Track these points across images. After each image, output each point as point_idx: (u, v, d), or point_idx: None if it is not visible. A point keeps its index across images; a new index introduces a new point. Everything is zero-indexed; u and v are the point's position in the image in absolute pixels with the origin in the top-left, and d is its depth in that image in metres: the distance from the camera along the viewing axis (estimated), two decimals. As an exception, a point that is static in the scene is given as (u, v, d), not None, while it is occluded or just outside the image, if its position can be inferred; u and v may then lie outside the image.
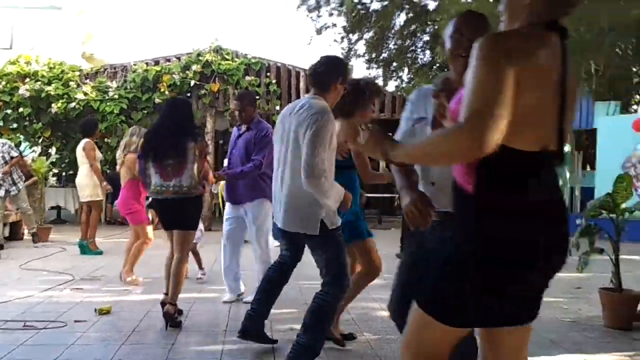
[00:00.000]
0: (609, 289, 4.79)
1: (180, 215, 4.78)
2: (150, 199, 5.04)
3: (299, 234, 3.58)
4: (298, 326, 3.81)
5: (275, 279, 3.97)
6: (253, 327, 4.01)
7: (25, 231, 9.57)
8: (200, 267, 6.62)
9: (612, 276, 4.74)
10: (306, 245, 3.74)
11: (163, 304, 4.70)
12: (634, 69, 13.80)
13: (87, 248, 8.37)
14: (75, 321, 4.77)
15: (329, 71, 3.56)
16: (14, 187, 9.00)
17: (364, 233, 3.98)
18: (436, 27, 17.25)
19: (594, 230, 4.82)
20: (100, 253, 8.34)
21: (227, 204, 5.59)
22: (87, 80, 12.69)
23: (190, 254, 6.25)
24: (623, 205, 4.84)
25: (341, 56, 19.80)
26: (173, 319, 4.63)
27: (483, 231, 1.73)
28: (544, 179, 1.76)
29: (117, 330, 4.57)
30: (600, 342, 4.35)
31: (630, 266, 5.53)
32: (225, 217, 5.62)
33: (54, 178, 13.41)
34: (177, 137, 4.65)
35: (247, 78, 12.58)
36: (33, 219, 9.44)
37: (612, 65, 11.66)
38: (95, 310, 5.06)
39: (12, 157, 9.03)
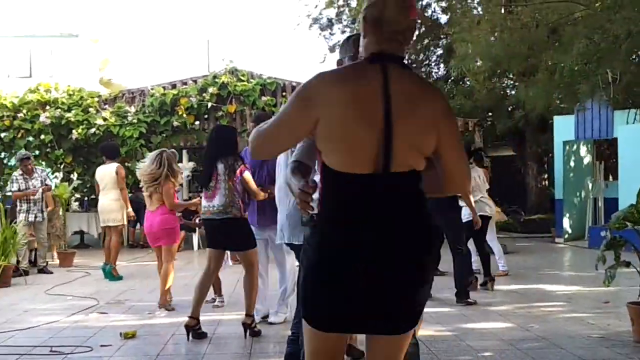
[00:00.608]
0: (637, 303, 4.71)
1: (223, 234, 5.07)
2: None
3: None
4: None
5: None
6: (298, 350, 4.01)
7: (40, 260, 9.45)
8: (220, 294, 6.51)
9: (641, 288, 4.67)
10: None
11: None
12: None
13: (109, 273, 8.38)
14: (101, 345, 4.81)
15: None
16: (40, 215, 9.08)
17: None
18: (449, 40, 17.27)
19: (619, 242, 4.76)
20: (120, 278, 8.31)
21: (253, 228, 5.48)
22: (106, 106, 12.86)
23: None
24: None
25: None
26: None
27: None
28: (356, 197, 1.90)
29: (144, 354, 4.59)
30: (631, 359, 4.27)
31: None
32: None
33: (76, 203, 13.55)
34: (212, 161, 5.07)
35: (263, 98, 12.67)
36: (46, 253, 9.39)
37: (629, 73, 11.56)
38: (121, 334, 5.09)
39: (47, 185, 9.11)
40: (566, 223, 12.92)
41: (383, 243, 1.89)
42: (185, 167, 13.88)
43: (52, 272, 9.01)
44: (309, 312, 2.00)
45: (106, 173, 8.54)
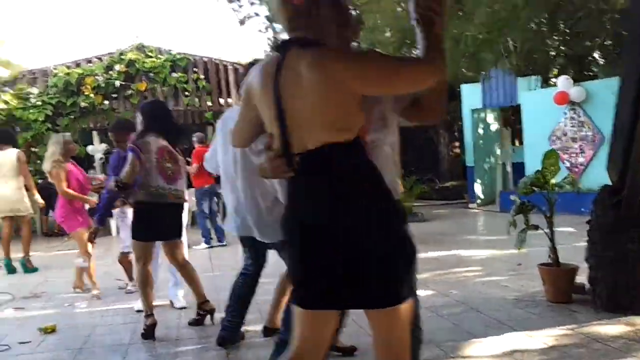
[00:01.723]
0: (547, 264, 4.99)
1: (176, 222, 4.76)
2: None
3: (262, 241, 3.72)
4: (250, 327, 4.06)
5: (244, 293, 4.11)
6: (231, 337, 4.16)
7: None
8: (131, 279, 6.33)
9: (550, 251, 4.95)
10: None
11: (152, 325, 4.56)
12: (549, 42, 14.28)
13: (24, 266, 8.00)
14: (20, 343, 4.62)
15: None
16: None
17: None
18: (357, 11, 17.39)
19: (528, 207, 5.01)
20: (36, 270, 7.98)
21: None
22: (6, 88, 12.16)
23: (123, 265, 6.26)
24: (553, 181, 5.04)
25: (268, 46, 19.74)
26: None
27: None
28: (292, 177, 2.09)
29: (65, 348, 4.46)
30: (543, 318, 4.53)
31: (564, 239, 5.78)
32: None
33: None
34: (171, 141, 4.68)
35: (174, 75, 12.39)
36: None
37: (529, 40, 12.03)
38: (40, 329, 4.91)
39: None
40: (478, 189, 13.46)
41: (320, 227, 2.00)
42: (98, 149, 13.42)
43: None
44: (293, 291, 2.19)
45: (4, 160, 7.93)
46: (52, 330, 4.93)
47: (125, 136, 5.29)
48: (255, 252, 4.03)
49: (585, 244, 4.85)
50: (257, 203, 3.61)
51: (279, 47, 2.08)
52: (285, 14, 2.07)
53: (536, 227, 4.96)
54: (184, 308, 5.34)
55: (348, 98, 1.97)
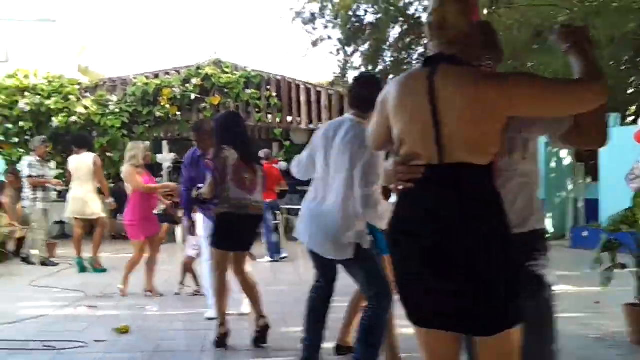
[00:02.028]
0: (633, 305, 4.77)
1: (253, 234, 4.76)
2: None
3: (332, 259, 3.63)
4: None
5: (317, 307, 3.93)
6: (313, 356, 3.94)
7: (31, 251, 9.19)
8: (197, 284, 6.55)
9: (636, 291, 4.73)
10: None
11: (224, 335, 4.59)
12: (630, 81, 13.92)
13: (92, 266, 8.24)
14: (96, 341, 4.72)
15: (372, 94, 3.52)
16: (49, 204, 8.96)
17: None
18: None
19: (615, 245, 4.83)
20: (105, 271, 8.18)
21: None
22: (87, 94, 12.63)
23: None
24: (645, 219, 4.84)
25: (338, 68, 19.89)
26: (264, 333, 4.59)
27: None
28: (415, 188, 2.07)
29: (140, 350, 4.51)
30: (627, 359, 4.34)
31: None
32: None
33: (54, 193, 13.29)
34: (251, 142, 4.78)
35: (247, 91, 12.59)
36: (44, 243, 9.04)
37: (611, 78, 11.75)
38: (114, 329, 5.00)
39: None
40: (548, 223, 13.10)
41: (439, 243, 1.99)
42: (166, 158, 13.76)
43: (57, 264, 8.78)
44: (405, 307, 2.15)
45: (82, 164, 8.28)
46: (125, 331, 5.01)
47: (205, 137, 5.31)
48: (323, 267, 3.87)
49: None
50: (340, 219, 3.46)
51: (428, 60, 2.09)
52: (463, 28, 2.06)
53: (623, 266, 4.77)
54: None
55: (495, 121, 1.98)
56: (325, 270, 3.86)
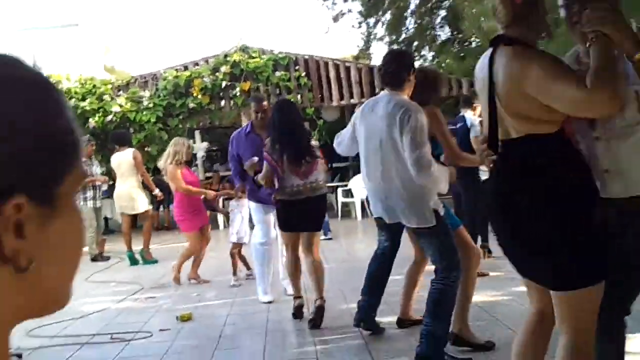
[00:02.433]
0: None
1: (314, 214, 4.81)
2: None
3: (400, 224, 3.74)
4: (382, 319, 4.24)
5: (379, 273, 4.20)
6: (367, 317, 4.23)
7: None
8: (235, 274, 6.55)
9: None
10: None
11: (300, 307, 4.88)
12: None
13: (143, 258, 8.45)
14: (160, 330, 4.85)
15: (400, 68, 3.69)
16: (100, 202, 9.16)
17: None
18: (452, 1, 17.09)
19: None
20: (156, 262, 8.39)
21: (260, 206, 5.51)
22: (120, 92, 12.80)
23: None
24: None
25: (362, 41, 19.75)
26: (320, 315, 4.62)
27: None
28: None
29: (206, 337, 4.63)
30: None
31: None
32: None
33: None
34: (302, 136, 4.78)
35: (277, 74, 12.60)
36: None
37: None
38: (177, 317, 5.13)
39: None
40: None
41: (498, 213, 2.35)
42: (200, 147, 13.91)
43: (108, 258, 9.02)
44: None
45: (123, 160, 8.44)
46: (188, 318, 5.14)
47: (261, 106, 5.41)
48: (392, 234, 4.08)
49: None
50: (416, 187, 3.51)
51: (492, 41, 2.26)
52: (503, 11, 2.21)
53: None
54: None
55: (526, 97, 2.08)
56: (394, 239, 4.09)
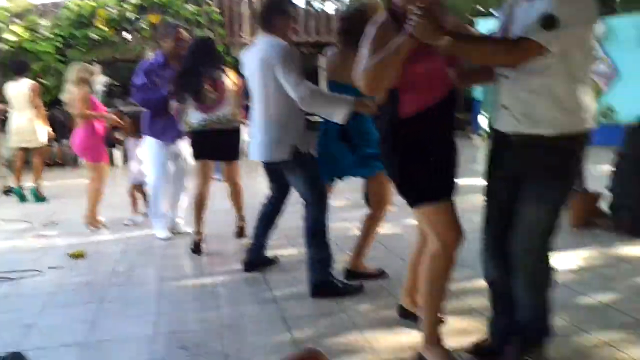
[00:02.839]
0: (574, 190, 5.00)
1: (225, 145, 4.99)
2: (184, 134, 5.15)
3: (276, 163, 3.80)
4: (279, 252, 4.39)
5: (269, 214, 4.27)
6: (256, 258, 4.33)
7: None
8: (136, 211, 6.41)
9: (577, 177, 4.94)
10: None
11: (199, 242, 4.95)
12: None
13: (35, 195, 8.02)
14: (50, 267, 4.66)
15: (270, 12, 3.82)
16: None
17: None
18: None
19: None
20: (44, 200, 7.99)
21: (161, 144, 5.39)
22: (16, 20, 11.92)
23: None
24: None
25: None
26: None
27: None
28: None
29: (98, 273, 4.49)
30: (570, 241, 4.60)
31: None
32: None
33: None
34: (209, 71, 4.79)
35: (187, 7, 12.11)
36: None
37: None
38: (68, 255, 4.95)
39: None
40: (483, 121, 13.28)
41: None
42: (98, 80, 13.27)
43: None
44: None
45: (19, 91, 7.91)
46: (80, 255, 4.96)
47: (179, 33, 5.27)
48: (271, 175, 4.13)
49: (601, 172, 5.06)
50: (272, 126, 3.71)
51: None
52: None
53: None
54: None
55: None
56: (274, 177, 4.11)
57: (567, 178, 2.38)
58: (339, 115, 3.47)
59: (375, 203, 3.91)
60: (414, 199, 2.58)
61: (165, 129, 5.25)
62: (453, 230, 2.56)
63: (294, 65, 3.57)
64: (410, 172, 2.55)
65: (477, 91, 13.36)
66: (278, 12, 3.82)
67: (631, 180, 4.77)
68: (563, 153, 2.30)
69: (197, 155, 5.00)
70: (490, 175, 2.60)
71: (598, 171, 5.63)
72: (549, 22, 2.12)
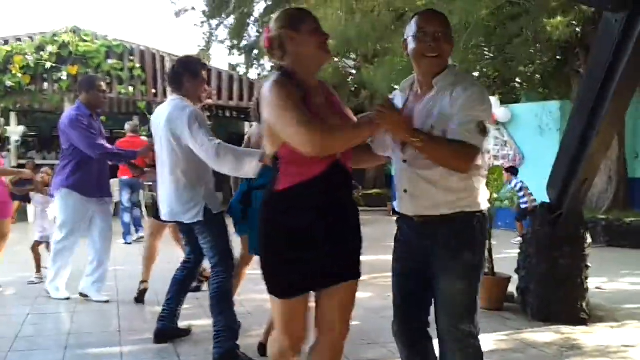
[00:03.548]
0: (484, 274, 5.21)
1: None
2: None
3: (190, 224, 3.78)
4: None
5: (182, 279, 4.15)
6: (168, 328, 4.13)
7: None
8: (39, 270, 6.12)
9: (486, 261, 5.16)
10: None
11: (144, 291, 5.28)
12: (481, 64, 14.85)
13: None
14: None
15: (180, 72, 3.85)
16: None
17: None
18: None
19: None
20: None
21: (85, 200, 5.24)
22: None
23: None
24: (495, 195, 5.29)
25: (203, 41, 19.45)
26: None
27: None
28: None
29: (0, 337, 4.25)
30: (479, 324, 4.72)
31: (497, 251, 6.09)
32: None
33: None
34: None
35: (109, 61, 12.02)
36: None
37: (465, 62, 12.49)
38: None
39: None
40: (400, 197, 13.74)
41: None
42: (14, 131, 12.81)
43: None
44: None
45: None
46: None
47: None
48: (194, 241, 3.96)
49: (507, 255, 5.14)
50: (179, 188, 3.71)
51: None
52: None
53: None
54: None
55: None
56: (191, 239, 4.00)
57: (474, 249, 2.43)
58: (249, 170, 3.39)
59: None
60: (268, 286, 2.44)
61: (97, 183, 5.17)
62: (283, 334, 2.42)
63: (201, 126, 3.55)
64: (264, 255, 2.42)
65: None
66: (189, 73, 3.84)
67: (535, 264, 5.01)
68: (464, 225, 2.41)
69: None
70: (398, 256, 2.62)
71: (503, 254, 5.91)
72: (482, 127, 2.31)
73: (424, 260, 2.48)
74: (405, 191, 2.48)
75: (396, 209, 2.60)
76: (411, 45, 2.43)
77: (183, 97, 3.78)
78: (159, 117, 3.79)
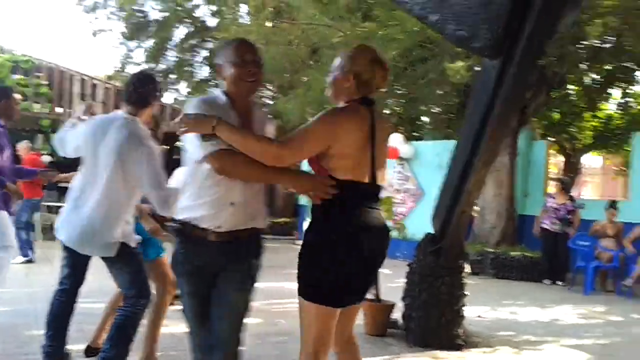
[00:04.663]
0: (369, 300, 5.42)
1: None
2: None
3: (87, 256, 3.59)
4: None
5: (62, 310, 3.74)
6: None
7: None
8: None
9: (373, 288, 5.39)
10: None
11: None
12: (387, 103, 15.44)
13: None
14: None
15: (148, 90, 3.56)
16: None
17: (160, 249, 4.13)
18: (215, 44, 17.59)
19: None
20: None
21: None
22: None
23: None
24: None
25: (120, 63, 19.20)
26: None
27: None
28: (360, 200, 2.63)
29: None
30: (362, 348, 4.83)
31: (391, 280, 6.38)
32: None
33: None
34: None
35: (15, 76, 11.68)
36: None
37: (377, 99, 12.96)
38: None
39: None
40: (306, 226, 13.97)
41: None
42: None
43: None
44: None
45: None
46: None
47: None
48: (75, 266, 3.70)
49: (399, 284, 5.44)
50: (103, 217, 3.41)
51: (364, 102, 2.62)
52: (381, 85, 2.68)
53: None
54: None
55: None
56: (77, 271, 3.72)
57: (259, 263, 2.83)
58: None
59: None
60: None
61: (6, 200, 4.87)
62: (320, 344, 2.73)
63: (159, 160, 3.30)
64: (332, 268, 2.68)
65: (303, 198, 14.08)
66: (153, 90, 3.57)
67: (418, 292, 5.27)
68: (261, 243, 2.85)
69: None
70: (192, 275, 2.68)
71: (395, 283, 6.15)
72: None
73: (213, 275, 2.77)
74: (232, 204, 2.65)
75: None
76: (229, 71, 2.60)
77: (141, 118, 3.49)
78: (110, 131, 3.41)
